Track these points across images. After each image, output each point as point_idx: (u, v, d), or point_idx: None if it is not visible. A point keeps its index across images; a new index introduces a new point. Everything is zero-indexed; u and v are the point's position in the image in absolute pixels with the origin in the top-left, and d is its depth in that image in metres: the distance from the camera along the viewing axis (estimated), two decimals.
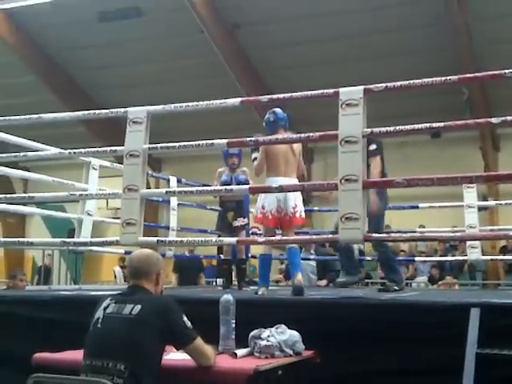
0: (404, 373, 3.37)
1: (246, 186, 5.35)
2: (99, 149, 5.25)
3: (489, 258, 9.77)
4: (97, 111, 5.54)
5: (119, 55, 13.65)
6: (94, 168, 6.73)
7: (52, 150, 6.13)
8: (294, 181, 4.99)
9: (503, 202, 10.09)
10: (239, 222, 6.51)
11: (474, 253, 7.27)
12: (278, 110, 5.14)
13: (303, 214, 5.04)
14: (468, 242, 7.38)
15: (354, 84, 3.96)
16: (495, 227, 9.81)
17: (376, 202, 5.09)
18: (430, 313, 3.45)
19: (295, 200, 4.94)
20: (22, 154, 5.18)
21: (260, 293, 4.83)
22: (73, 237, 6.82)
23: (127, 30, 12.99)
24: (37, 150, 6.04)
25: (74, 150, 5.22)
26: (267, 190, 4.72)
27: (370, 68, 12.01)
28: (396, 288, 5.19)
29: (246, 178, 6.45)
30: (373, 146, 5.03)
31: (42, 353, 3.17)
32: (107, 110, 5.01)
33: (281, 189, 4.36)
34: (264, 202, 4.97)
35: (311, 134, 4.17)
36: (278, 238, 5.16)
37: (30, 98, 13.95)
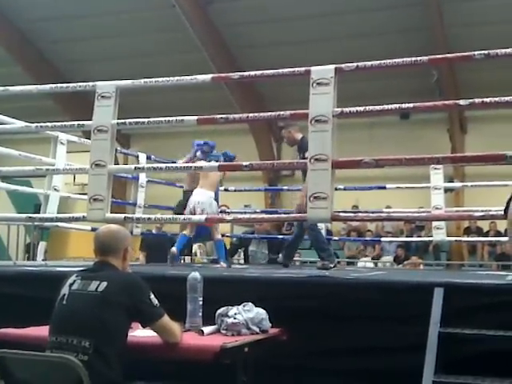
0: (367, 350, 3.41)
1: (216, 164, 5.33)
2: (66, 123, 5.18)
3: (453, 238, 9.94)
4: (64, 85, 5.43)
5: (89, 28, 13.38)
6: (61, 143, 6.63)
7: (19, 124, 6.01)
8: (209, 193, 6.39)
9: (469, 183, 10.22)
10: None
11: (439, 234, 7.37)
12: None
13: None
14: (434, 223, 7.47)
15: (327, 63, 3.95)
16: (460, 208, 9.97)
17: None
18: (395, 292, 3.49)
19: (203, 206, 6.21)
20: None
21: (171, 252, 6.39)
22: (39, 212, 6.73)
23: (98, 2, 12.73)
24: (3, 123, 5.93)
25: (41, 124, 5.13)
26: (237, 168, 4.71)
27: (342, 48, 11.98)
28: (331, 266, 5.59)
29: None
30: None
31: (5, 328, 3.13)
32: (75, 84, 4.93)
33: (251, 167, 4.35)
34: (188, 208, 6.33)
35: (282, 113, 4.16)
36: (246, 216, 5.21)
37: None
